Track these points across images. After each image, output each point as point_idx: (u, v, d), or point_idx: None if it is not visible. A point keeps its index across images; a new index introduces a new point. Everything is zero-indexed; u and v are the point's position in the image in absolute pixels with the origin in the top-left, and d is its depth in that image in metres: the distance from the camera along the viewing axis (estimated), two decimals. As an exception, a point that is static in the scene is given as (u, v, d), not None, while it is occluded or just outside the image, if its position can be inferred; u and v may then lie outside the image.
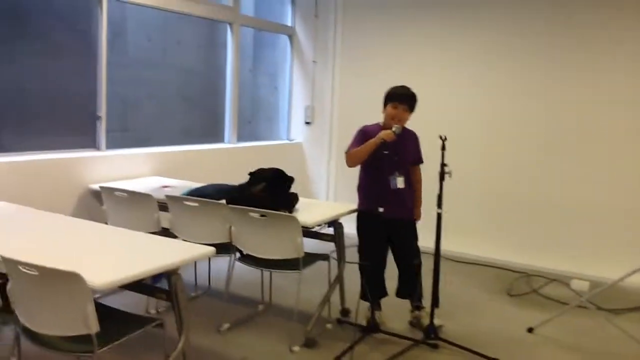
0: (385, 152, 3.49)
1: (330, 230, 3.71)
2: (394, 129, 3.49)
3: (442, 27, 5.60)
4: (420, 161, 3.81)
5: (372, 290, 3.66)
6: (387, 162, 3.59)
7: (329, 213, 3.62)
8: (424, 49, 5.70)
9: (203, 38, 5.86)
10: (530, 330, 3.75)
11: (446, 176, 3.33)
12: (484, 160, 5.47)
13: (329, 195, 6.41)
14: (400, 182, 3.63)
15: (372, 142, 3.48)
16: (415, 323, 3.79)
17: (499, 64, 5.34)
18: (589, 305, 3.81)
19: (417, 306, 3.81)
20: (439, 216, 3.40)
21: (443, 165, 3.34)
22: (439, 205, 3.39)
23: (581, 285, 4.56)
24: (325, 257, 3.62)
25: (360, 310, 3.58)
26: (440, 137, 3.34)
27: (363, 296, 3.70)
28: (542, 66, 5.13)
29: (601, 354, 3.53)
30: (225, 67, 5.72)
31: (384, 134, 3.46)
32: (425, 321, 3.59)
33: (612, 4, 4.78)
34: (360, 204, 3.77)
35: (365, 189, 3.75)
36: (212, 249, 2.60)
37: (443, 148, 3.34)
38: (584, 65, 4.94)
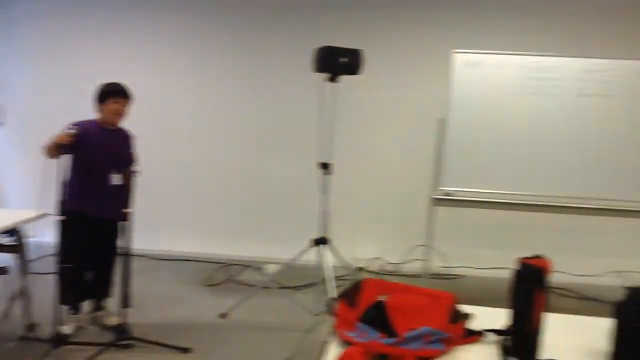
0: (67, 154, 3.39)
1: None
2: (72, 130, 3.40)
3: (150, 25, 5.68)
4: (132, 161, 3.75)
5: (75, 294, 3.60)
6: (103, 162, 3.57)
7: (6, 221, 3.38)
8: (130, 48, 5.71)
9: None
10: (223, 315, 4.04)
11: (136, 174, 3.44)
12: (182, 157, 5.67)
13: (25, 203, 5.91)
14: (117, 180, 3.61)
15: (52, 144, 3.32)
16: (95, 324, 3.78)
17: (208, 64, 5.60)
18: (271, 285, 4.27)
19: (99, 306, 3.83)
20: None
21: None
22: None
23: (272, 269, 5.04)
24: (2, 270, 3.38)
25: (51, 321, 3.42)
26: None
27: (63, 301, 3.52)
28: (252, 70, 5.53)
29: (281, 327, 3.96)
30: None
31: (58, 137, 3.31)
32: (109, 321, 3.71)
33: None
34: (68, 203, 3.52)
35: (75, 188, 3.56)
36: None
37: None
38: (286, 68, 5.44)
